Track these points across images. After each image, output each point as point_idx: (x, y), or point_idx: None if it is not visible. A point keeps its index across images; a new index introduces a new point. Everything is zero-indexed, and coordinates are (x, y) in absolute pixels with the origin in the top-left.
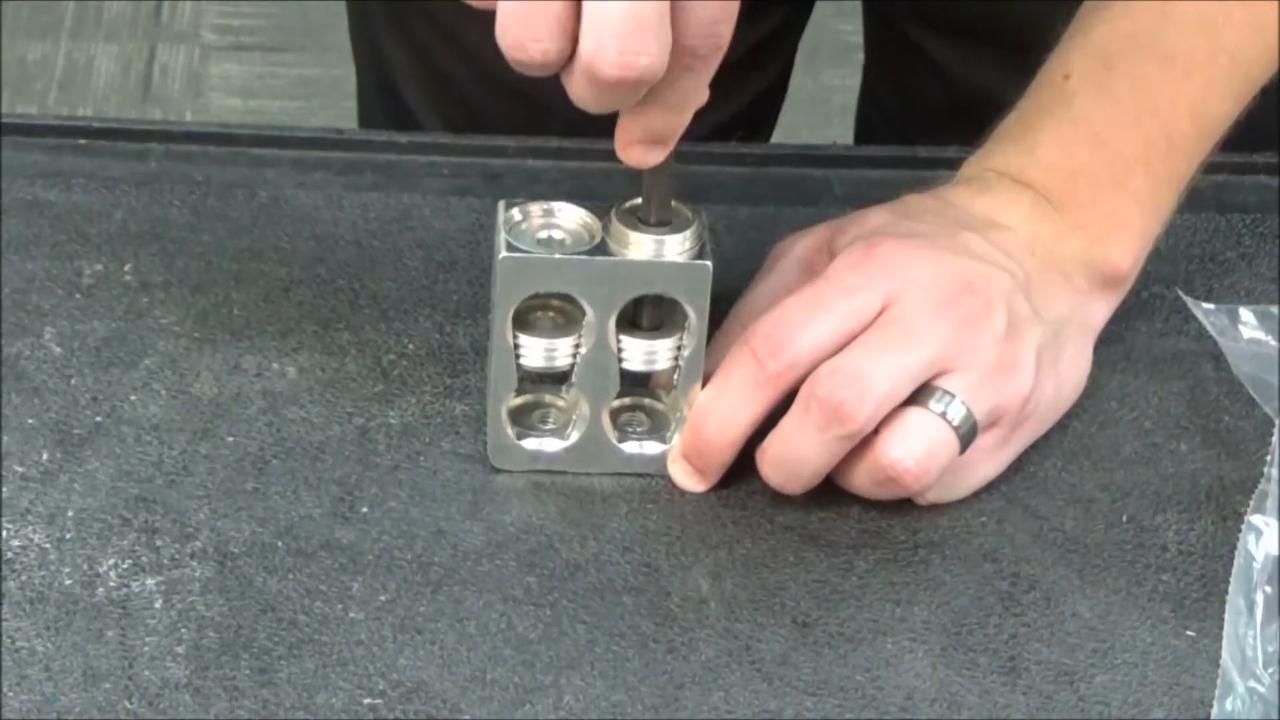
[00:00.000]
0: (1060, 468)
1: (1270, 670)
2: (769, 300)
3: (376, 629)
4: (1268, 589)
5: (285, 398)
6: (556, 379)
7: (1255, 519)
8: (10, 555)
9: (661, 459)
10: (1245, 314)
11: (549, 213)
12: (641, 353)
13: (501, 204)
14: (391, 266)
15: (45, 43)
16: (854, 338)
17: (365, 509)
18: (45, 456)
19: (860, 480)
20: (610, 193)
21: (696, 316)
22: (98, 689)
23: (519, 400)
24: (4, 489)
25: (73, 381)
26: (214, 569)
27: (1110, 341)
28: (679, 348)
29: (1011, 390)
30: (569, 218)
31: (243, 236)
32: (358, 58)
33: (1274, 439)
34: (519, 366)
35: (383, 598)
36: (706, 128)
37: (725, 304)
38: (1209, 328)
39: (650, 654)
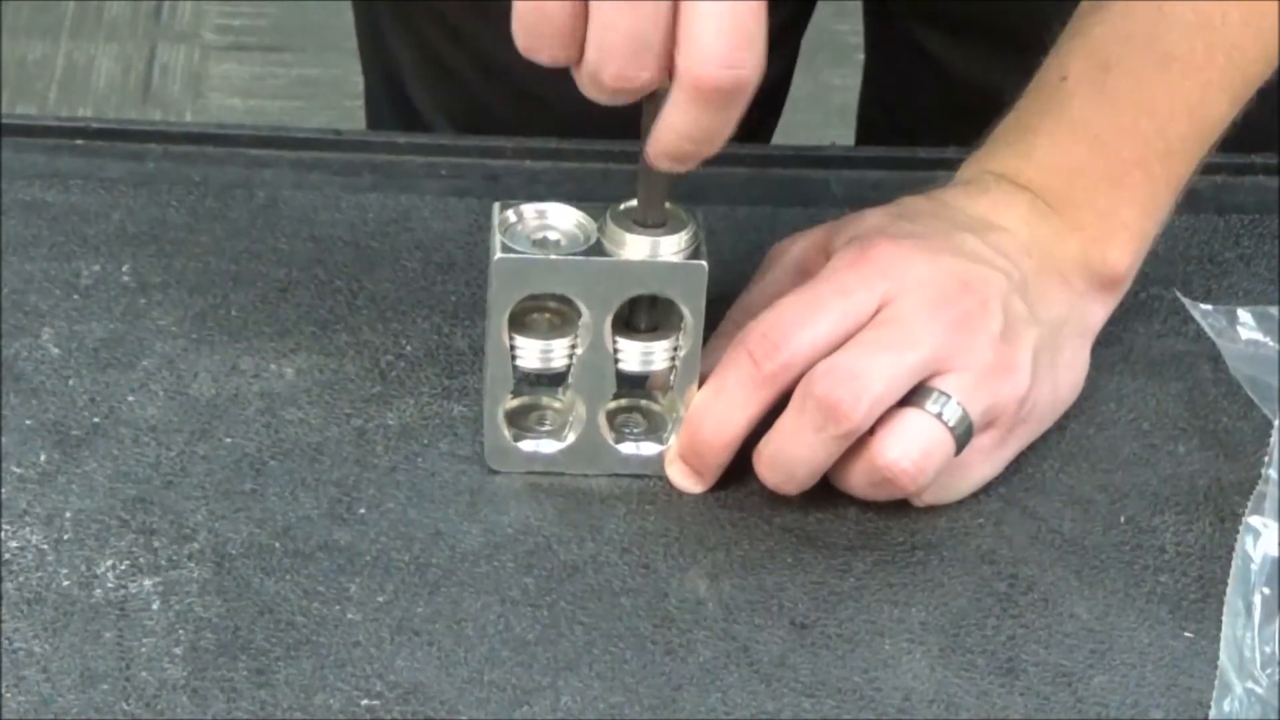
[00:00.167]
0: (1058, 469)
1: (1268, 671)
2: (765, 301)
3: (374, 630)
4: (1266, 590)
5: (283, 399)
6: (553, 380)
7: (1253, 520)
8: (8, 556)
9: (658, 460)
10: (1243, 315)
11: (543, 214)
12: (638, 354)
13: (496, 205)
14: (389, 267)
15: (45, 43)
16: (850, 338)
17: (363, 510)
18: (43, 457)
19: (856, 481)
20: (609, 193)
21: (692, 317)
22: (95, 690)
23: (516, 402)
24: (2, 490)
25: (70, 382)
26: (212, 570)
27: (1108, 343)
28: (675, 349)
29: (1008, 391)
30: (564, 219)
31: (241, 237)
32: (364, 57)
33: (1272, 440)
34: (515, 368)
35: (380, 599)
36: None
37: (723, 305)
38: (1207, 329)
39: (648, 655)
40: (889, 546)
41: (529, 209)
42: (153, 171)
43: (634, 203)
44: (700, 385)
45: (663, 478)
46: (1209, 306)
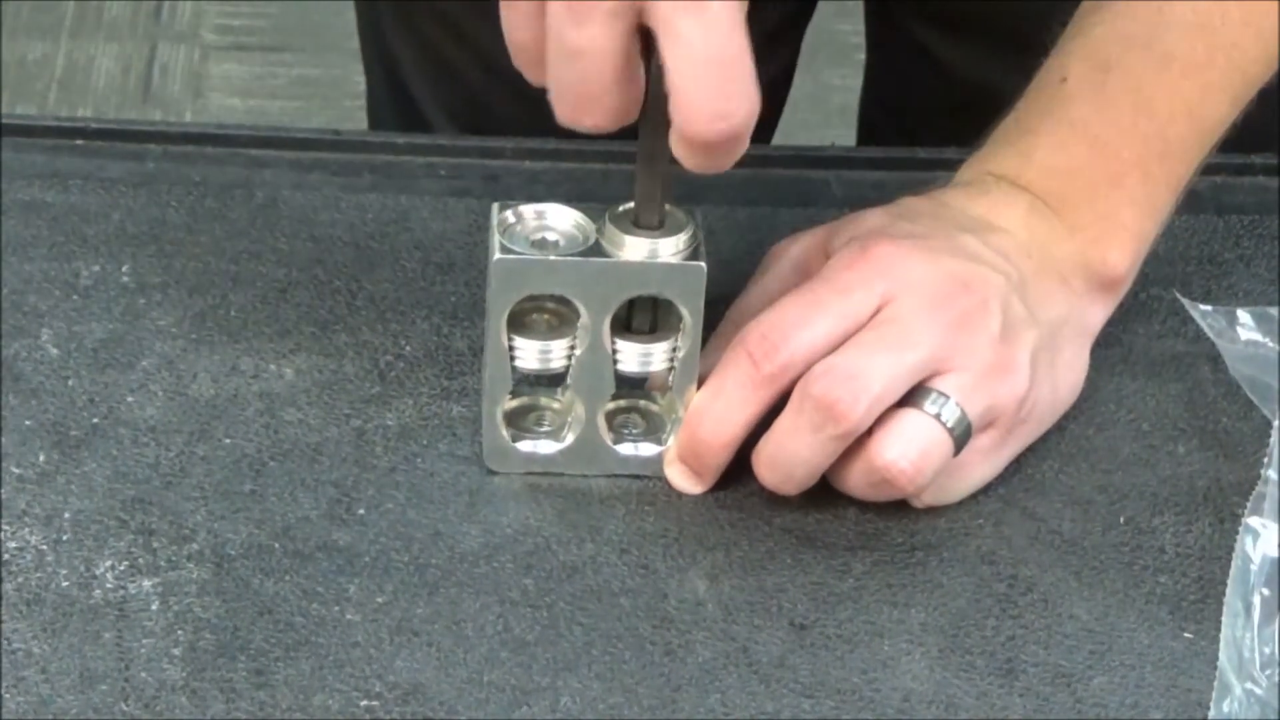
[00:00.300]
0: (1058, 469)
1: (1268, 672)
2: (765, 302)
3: (373, 631)
4: (1265, 591)
5: (282, 399)
6: (552, 381)
7: (1253, 521)
8: (7, 557)
9: (657, 461)
10: (1243, 316)
11: (542, 215)
12: (637, 356)
13: (495, 206)
14: (389, 268)
15: (45, 43)
16: (850, 339)
17: (362, 511)
18: (42, 458)
19: (855, 482)
20: (608, 194)
21: (691, 318)
22: (94, 691)
23: (514, 402)
24: (1, 490)
25: (70, 383)
26: (211, 571)
27: (1108, 343)
28: (674, 350)
29: (1007, 392)
30: (562, 219)
31: (240, 238)
32: (365, 56)
33: (1272, 441)
34: (514, 369)
35: (380, 599)
36: None
37: (722, 305)
38: (1207, 330)
39: (647, 656)
40: (888, 547)
41: (528, 210)
42: (152, 171)
43: (632, 204)
44: (699, 386)
45: (662, 478)
46: (1209, 307)
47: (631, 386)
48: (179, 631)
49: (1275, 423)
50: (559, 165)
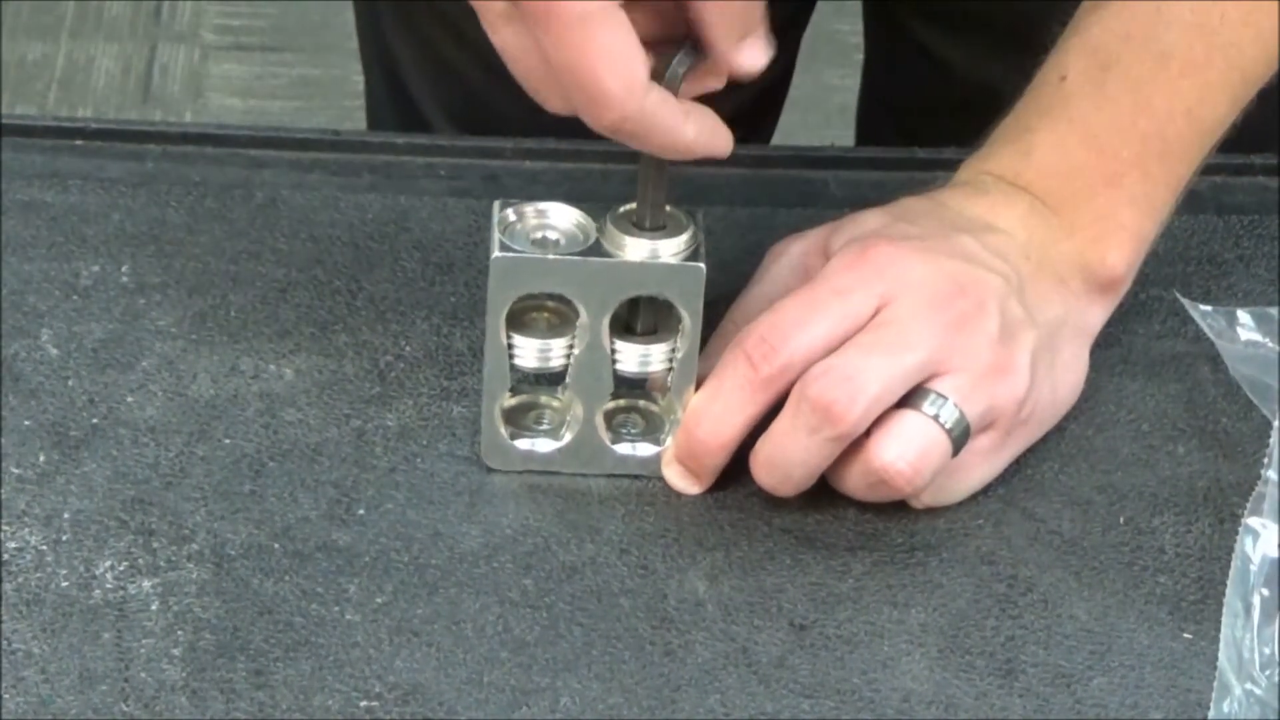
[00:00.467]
0: (1058, 470)
1: (1267, 672)
2: (764, 303)
3: (373, 631)
4: (1265, 591)
5: (282, 399)
6: (551, 380)
7: (1252, 521)
8: (7, 557)
9: (655, 461)
10: (1243, 316)
11: (543, 213)
12: (636, 356)
13: (496, 204)
14: (389, 268)
15: (45, 43)
16: (848, 340)
17: (362, 511)
18: (42, 458)
19: (854, 483)
20: (608, 194)
21: (690, 319)
22: (94, 691)
23: (514, 401)
24: (1, 491)
25: (70, 383)
26: (210, 571)
27: (1108, 344)
28: (673, 352)
29: (1006, 392)
30: (563, 218)
31: (240, 238)
32: (365, 55)
33: (1271, 441)
34: (513, 367)
35: (379, 600)
36: None
37: (722, 305)
38: (1206, 330)
39: (647, 656)
40: (888, 548)
41: (529, 208)
42: (152, 172)
43: (634, 205)
44: (698, 387)
45: (661, 478)
46: (1208, 307)
47: (631, 386)
48: (179, 632)
49: (1275, 423)
50: (559, 165)
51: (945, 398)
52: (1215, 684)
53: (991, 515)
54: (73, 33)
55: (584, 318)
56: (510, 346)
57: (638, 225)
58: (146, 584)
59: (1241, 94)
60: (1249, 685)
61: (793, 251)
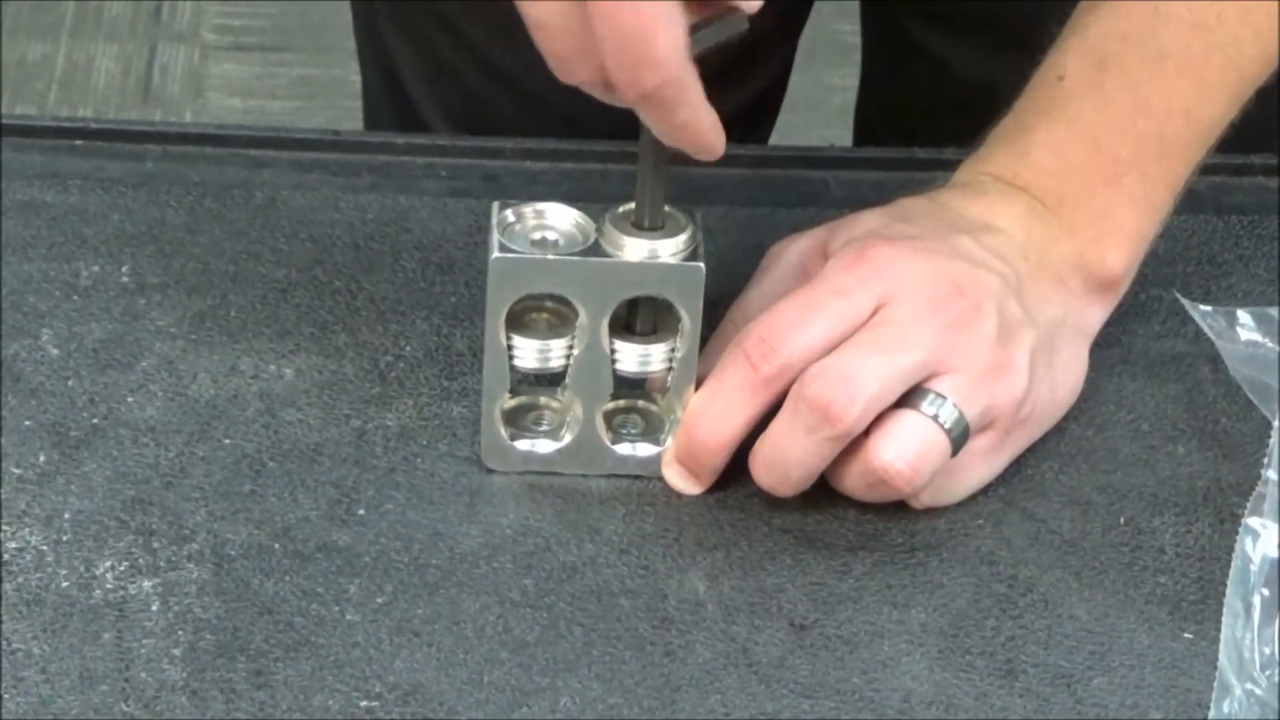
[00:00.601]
0: (1058, 470)
1: (1268, 673)
2: (763, 303)
3: (373, 631)
4: (1265, 591)
5: (282, 400)
6: (551, 380)
7: (1253, 521)
8: (7, 557)
9: (655, 461)
10: (1243, 316)
11: (542, 214)
12: (635, 357)
13: (495, 205)
14: (389, 268)
15: (45, 43)
16: (847, 340)
17: (362, 511)
18: (42, 458)
19: (853, 483)
20: (608, 194)
21: (690, 319)
22: (94, 691)
23: (514, 401)
24: (1, 491)
25: (70, 383)
26: (211, 571)
27: (1108, 344)
28: (673, 352)
29: (1005, 393)
30: (562, 219)
31: (240, 238)
32: (362, 55)
33: (1271, 441)
34: (513, 368)
35: (379, 600)
36: None
37: (722, 306)
38: (1206, 330)
39: (647, 656)
40: (888, 548)
41: (528, 209)
42: (152, 172)
43: (632, 205)
44: (698, 387)
45: (661, 479)
46: (1208, 308)
47: (631, 386)
48: (179, 632)
49: (1275, 423)
50: (559, 165)
51: (944, 397)
52: (1215, 684)
53: (991, 515)
54: (73, 33)
55: (583, 318)
56: (510, 347)
57: (637, 225)
58: (147, 584)
59: (1240, 93)
60: (1249, 685)
61: (791, 252)
